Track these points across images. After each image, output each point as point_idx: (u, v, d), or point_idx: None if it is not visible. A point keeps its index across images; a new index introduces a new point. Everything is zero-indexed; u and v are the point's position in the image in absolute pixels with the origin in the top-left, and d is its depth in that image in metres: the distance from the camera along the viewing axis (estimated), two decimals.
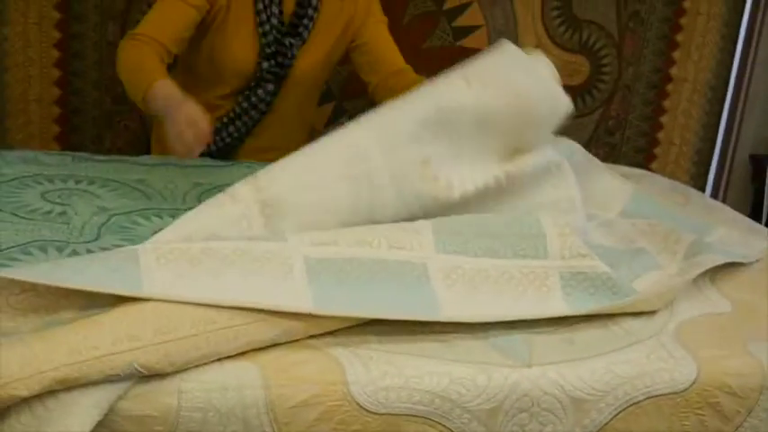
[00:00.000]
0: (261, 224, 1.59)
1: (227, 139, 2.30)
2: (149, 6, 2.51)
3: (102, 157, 2.21)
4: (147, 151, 2.53)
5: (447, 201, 1.69)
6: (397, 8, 2.76)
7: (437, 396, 1.44)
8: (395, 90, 2.06)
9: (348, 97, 2.80)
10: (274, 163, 1.67)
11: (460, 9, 2.79)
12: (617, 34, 2.92)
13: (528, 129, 1.79)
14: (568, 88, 2.86)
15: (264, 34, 2.19)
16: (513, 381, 1.48)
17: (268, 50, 2.20)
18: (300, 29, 2.21)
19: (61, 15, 2.58)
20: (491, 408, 1.46)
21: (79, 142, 2.66)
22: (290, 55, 2.21)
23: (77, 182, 2.01)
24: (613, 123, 3.03)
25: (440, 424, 1.43)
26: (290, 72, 2.23)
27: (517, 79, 1.80)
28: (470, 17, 2.81)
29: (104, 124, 2.67)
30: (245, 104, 2.26)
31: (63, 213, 1.85)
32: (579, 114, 2.97)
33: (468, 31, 2.82)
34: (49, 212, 1.85)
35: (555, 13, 2.85)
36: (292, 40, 2.20)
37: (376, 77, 2.26)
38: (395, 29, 2.74)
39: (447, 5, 2.78)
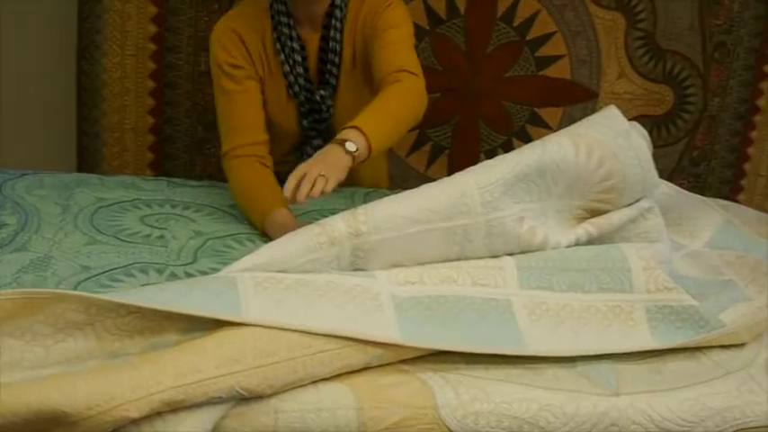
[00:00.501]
0: (349, 262, 1.64)
1: None
2: None
3: (195, 183, 2.29)
4: None
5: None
6: (481, 38, 2.80)
7: (526, 422, 1.46)
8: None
9: (430, 126, 2.84)
10: (377, 202, 1.69)
11: (543, 39, 2.82)
12: (702, 65, 2.90)
13: (616, 193, 1.82)
14: (652, 118, 2.92)
15: (296, 94, 2.18)
16: (602, 409, 1.49)
17: (303, 109, 2.18)
18: (327, 76, 2.16)
19: (156, 47, 2.68)
20: None
21: (172, 169, 2.75)
22: (325, 108, 2.17)
23: (173, 206, 2.09)
24: (698, 154, 3.01)
25: None
26: (332, 122, 2.21)
27: (618, 147, 1.83)
28: (553, 47, 2.83)
29: (196, 151, 2.75)
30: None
31: (161, 237, 1.92)
32: (663, 144, 2.96)
33: (550, 60, 2.84)
34: (149, 236, 1.92)
35: (638, 43, 2.86)
36: (322, 92, 2.16)
37: (376, 79, 2.08)
38: (478, 58, 2.80)
39: (530, 36, 2.81)
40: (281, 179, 2.22)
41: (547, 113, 2.89)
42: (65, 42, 2.67)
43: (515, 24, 2.80)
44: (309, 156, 2.10)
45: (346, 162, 1.80)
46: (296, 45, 2.12)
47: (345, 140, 1.82)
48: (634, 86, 2.91)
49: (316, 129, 2.20)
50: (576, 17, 2.80)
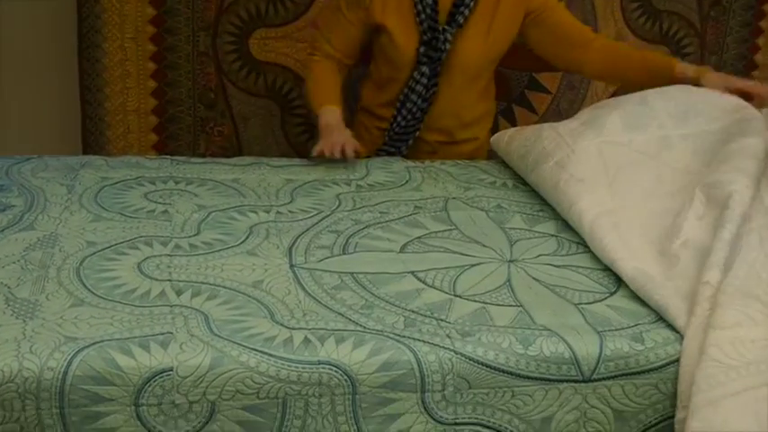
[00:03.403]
0: None
1: (402, 123, 2.45)
2: (237, 17, 2.64)
3: (198, 160, 2.32)
4: (239, 153, 2.65)
5: None
6: None
7: None
8: (608, 53, 2.39)
9: None
10: None
11: None
12: (699, 23, 2.91)
13: None
14: None
15: (421, 23, 2.35)
16: None
17: (425, 37, 2.36)
18: (457, 16, 2.36)
19: (155, 29, 2.71)
20: None
21: (175, 149, 2.78)
22: (442, 39, 2.35)
23: (177, 182, 2.12)
24: None
25: None
26: (447, 57, 2.37)
27: None
28: None
29: (199, 130, 2.79)
30: (405, 90, 2.43)
31: (165, 212, 1.95)
32: None
33: None
34: (152, 211, 1.96)
35: (634, 4, 2.87)
36: (446, 27, 2.35)
37: (566, 51, 2.42)
38: None
39: None
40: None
41: (545, 78, 2.91)
42: (65, 29, 2.70)
43: None
44: (416, 82, 2.42)
45: None
46: None
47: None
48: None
49: (428, 56, 2.38)
50: None
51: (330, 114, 2.34)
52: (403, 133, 2.47)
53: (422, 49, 2.38)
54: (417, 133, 2.47)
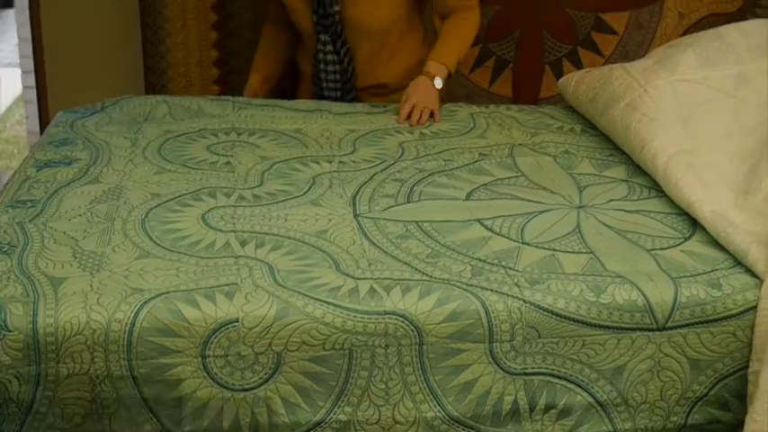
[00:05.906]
0: None
1: (325, 83, 2.40)
2: None
3: (259, 101, 2.31)
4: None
5: None
6: None
7: None
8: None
9: (493, 40, 2.79)
10: None
11: None
12: None
13: None
14: (724, 16, 2.81)
15: None
16: None
17: (313, 7, 2.32)
18: None
19: None
20: None
21: None
22: (328, 2, 2.29)
23: (239, 134, 2.11)
24: None
25: None
26: (344, 23, 2.32)
27: None
28: None
29: None
30: (315, 62, 2.40)
31: (227, 163, 1.95)
32: None
33: None
34: (215, 163, 1.95)
35: None
36: None
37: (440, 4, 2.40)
38: None
39: None
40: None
41: (612, 18, 2.81)
42: None
43: None
44: (318, 51, 2.40)
45: (436, 93, 2.27)
46: None
47: (434, 76, 2.27)
48: None
49: (322, 24, 2.34)
50: None
51: (249, 84, 2.52)
52: (336, 97, 2.42)
53: (314, 18, 2.34)
54: (354, 93, 2.42)
